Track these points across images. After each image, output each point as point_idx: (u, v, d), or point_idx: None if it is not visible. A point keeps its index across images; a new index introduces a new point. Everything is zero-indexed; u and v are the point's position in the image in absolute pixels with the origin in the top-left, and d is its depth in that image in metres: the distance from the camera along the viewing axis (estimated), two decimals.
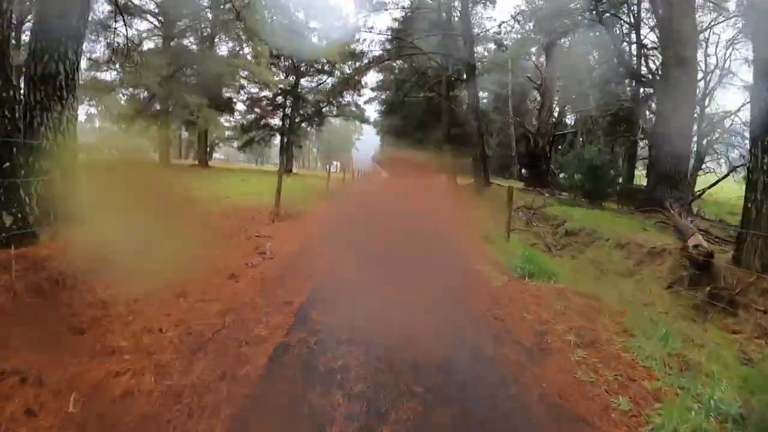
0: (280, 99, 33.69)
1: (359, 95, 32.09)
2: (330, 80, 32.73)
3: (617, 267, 7.42)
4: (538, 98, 24.62)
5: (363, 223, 8.73)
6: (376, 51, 20.20)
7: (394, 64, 23.45)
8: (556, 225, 10.46)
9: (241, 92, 32.41)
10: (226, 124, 34.03)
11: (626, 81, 18.56)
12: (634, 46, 19.09)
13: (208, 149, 42.33)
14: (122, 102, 25.87)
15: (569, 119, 28.38)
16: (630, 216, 11.83)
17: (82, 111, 27.16)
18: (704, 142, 18.81)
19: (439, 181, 18.30)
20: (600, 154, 15.24)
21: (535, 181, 19.99)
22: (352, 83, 21.06)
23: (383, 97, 23.41)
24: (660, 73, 15.05)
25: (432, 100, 20.55)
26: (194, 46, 29.10)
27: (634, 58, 18.43)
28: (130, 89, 25.63)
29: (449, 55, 17.91)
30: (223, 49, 28.98)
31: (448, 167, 20.21)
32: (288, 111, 33.22)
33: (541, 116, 19.75)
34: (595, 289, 5.60)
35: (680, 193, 13.28)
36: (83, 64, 25.94)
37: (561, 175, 23.57)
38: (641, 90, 17.61)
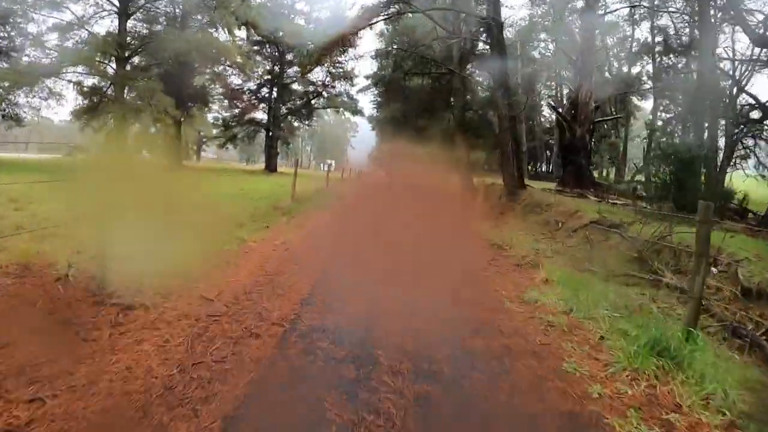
0: (265, 91, 28.49)
1: (352, 84, 26.90)
2: (319, 70, 27.61)
3: None
4: (557, 79, 19.39)
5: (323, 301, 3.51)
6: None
7: (390, 49, 18.03)
8: (721, 276, 5.15)
9: (218, 83, 26.80)
10: (211, 120, 28.90)
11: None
12: None
13: (193, 147, 37.40)
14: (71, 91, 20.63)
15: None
16: None
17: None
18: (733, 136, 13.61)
19: (452, 184, 12.38)
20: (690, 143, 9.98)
21: (573, 180, 14.70)
22: (337, 45, 15.69)
23: (380, 75, 17.95)
24: None
25: (440, 80, 15.23)
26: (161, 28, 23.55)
27: None
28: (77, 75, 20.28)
29: (464, 13, 12.57)
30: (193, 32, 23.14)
31: (462, 164, 15.01)
32: (272, 103, 27.94)
33: (579, 98, 14.43)
34: None
35: None
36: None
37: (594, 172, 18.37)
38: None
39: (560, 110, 15.67)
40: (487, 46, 14.20)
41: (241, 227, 5.99)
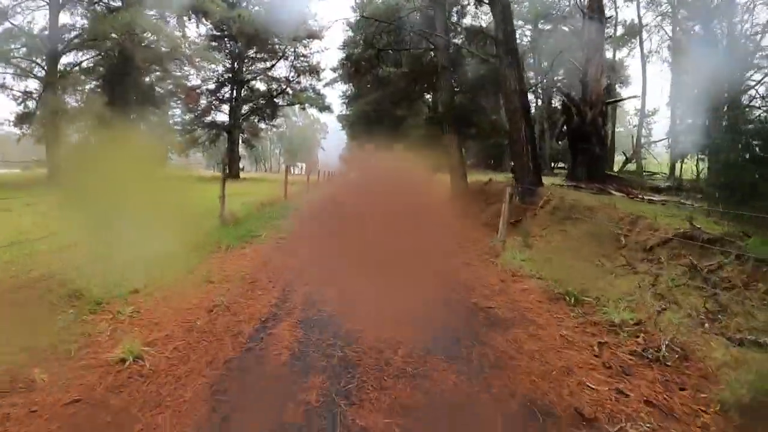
0: (225, 90, 24.98)
1: (318, 79, 23.70)
2: (282, 64, 24.44)
3: None
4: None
5: None
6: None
7: (362, 16, 14.82)
8: None
9: (170, 80, 23.02)
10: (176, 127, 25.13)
11: None
12: None
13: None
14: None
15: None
16: None
17: None
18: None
19: (446, 186, 8.93)
20: None
21: (585, 173, 11.81)
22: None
23: (350, 53, 14.70)
24: None
25: (421, 59, 12.15)
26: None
27: None
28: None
29: None
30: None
31: (452, 160, 11.95)
32: (233, 103, 24.45)
33: (588, 76, 11.57)
34: None
35: None
36: None
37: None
38: None
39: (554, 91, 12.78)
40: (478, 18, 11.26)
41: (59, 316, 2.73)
